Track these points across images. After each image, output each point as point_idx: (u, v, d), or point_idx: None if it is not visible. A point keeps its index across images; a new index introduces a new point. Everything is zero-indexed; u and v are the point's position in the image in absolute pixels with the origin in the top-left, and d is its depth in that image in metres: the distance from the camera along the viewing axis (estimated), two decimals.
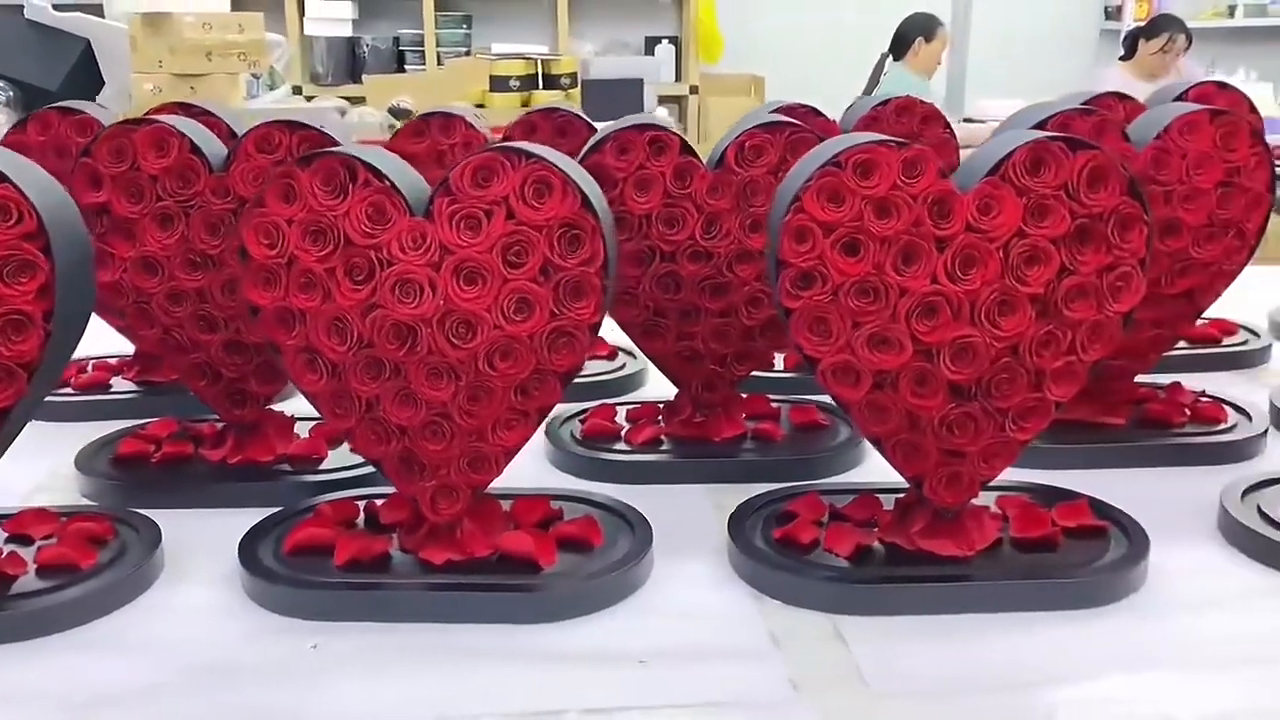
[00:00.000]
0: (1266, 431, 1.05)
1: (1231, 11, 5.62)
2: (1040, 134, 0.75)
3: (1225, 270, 1.02)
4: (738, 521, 0.86)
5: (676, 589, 0.81)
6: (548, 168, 0.73)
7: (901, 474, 0.81)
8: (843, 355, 0.76)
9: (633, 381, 1.25)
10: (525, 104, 3.98)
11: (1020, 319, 0.75)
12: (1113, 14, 5.64)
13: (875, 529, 0.84)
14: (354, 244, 0.73)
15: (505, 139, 1.18)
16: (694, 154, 0.96)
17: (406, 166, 0.78)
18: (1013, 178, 0.74)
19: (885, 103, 1.22)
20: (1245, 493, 0.89)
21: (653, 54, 5.35)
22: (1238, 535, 0.85)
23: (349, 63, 5.16)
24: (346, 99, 4.35)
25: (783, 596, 0.79)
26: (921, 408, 0.77)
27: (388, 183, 0.73)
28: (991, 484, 0.89)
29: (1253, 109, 1.25)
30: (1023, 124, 1.00)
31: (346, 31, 5.17)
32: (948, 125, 1.23)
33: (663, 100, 5.16)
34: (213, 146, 0.91)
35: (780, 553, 0.81)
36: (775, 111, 1.19)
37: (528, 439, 0.79)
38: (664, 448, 1.04)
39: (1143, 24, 4.85)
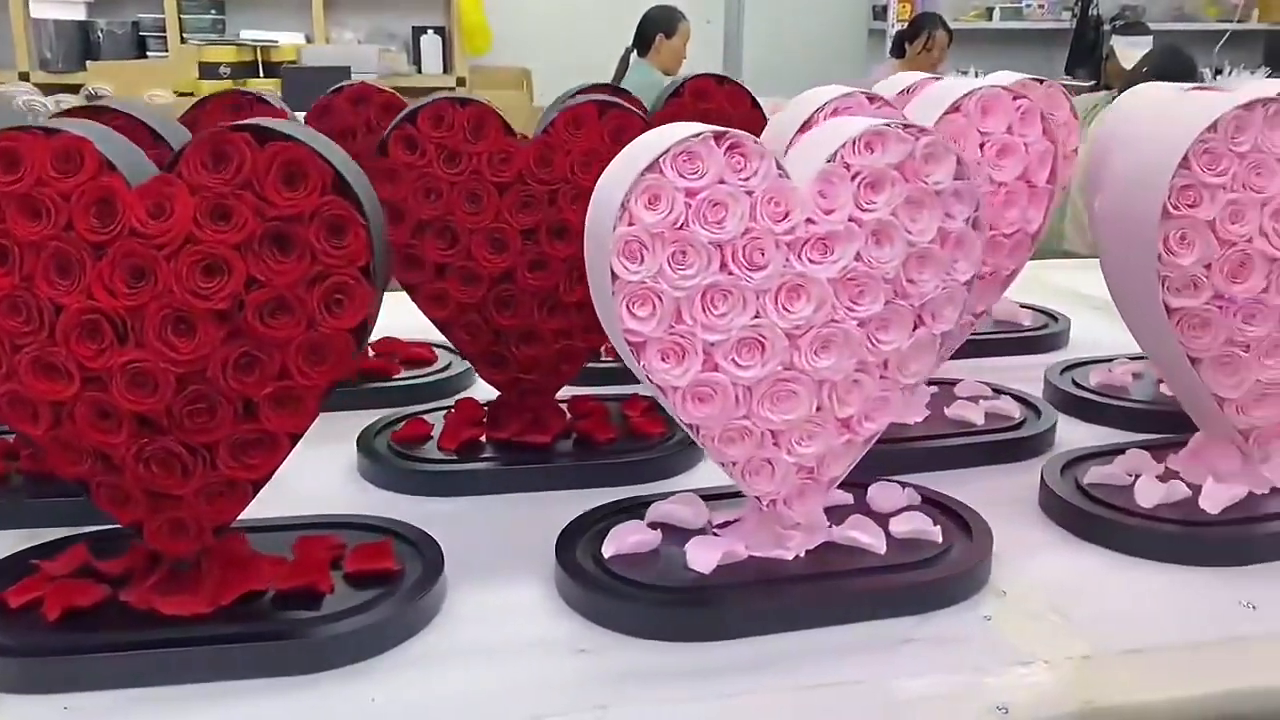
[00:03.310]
0: (692, 445, 0.99)
1: (990, 14, 5.80)
2: (230, 125, 0.64)
3: None
4: None
5: None
6: None
7: (118, 522, 0.69)
8: (11, 385, 0.64)
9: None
10: None
11: (204, 339, 0.64)
12: (879, 14, 5.75)
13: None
14: None
15: None
16: None
17: None
18: (187, 174, 0.63)
19: (340, 90, 1.11)
20: (591, 525, 0.81)
21: (418, 44, 5.19)
22: (561, 579, 0.76)
23: (82, 48, 4.80)
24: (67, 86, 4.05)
25: None
26: (108, 444, 0.65)
27: None
28: (322, 520, 0.80)
29: (754, 104, 1.20)
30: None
31: (79, 15, 4.82)
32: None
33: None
34: None
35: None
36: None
37: None
38: (13, 485, 0.90)
39: (906, 25, 4.95)
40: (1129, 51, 4.92)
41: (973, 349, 1.30)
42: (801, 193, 0.69)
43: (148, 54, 4.86)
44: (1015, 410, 1.04)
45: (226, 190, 0.63)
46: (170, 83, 3.64)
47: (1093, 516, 0.83)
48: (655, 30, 4.00)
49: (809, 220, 0.69)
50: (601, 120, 0.90)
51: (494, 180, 0.89)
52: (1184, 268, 0.77)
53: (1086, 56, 5.56)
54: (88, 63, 4.42)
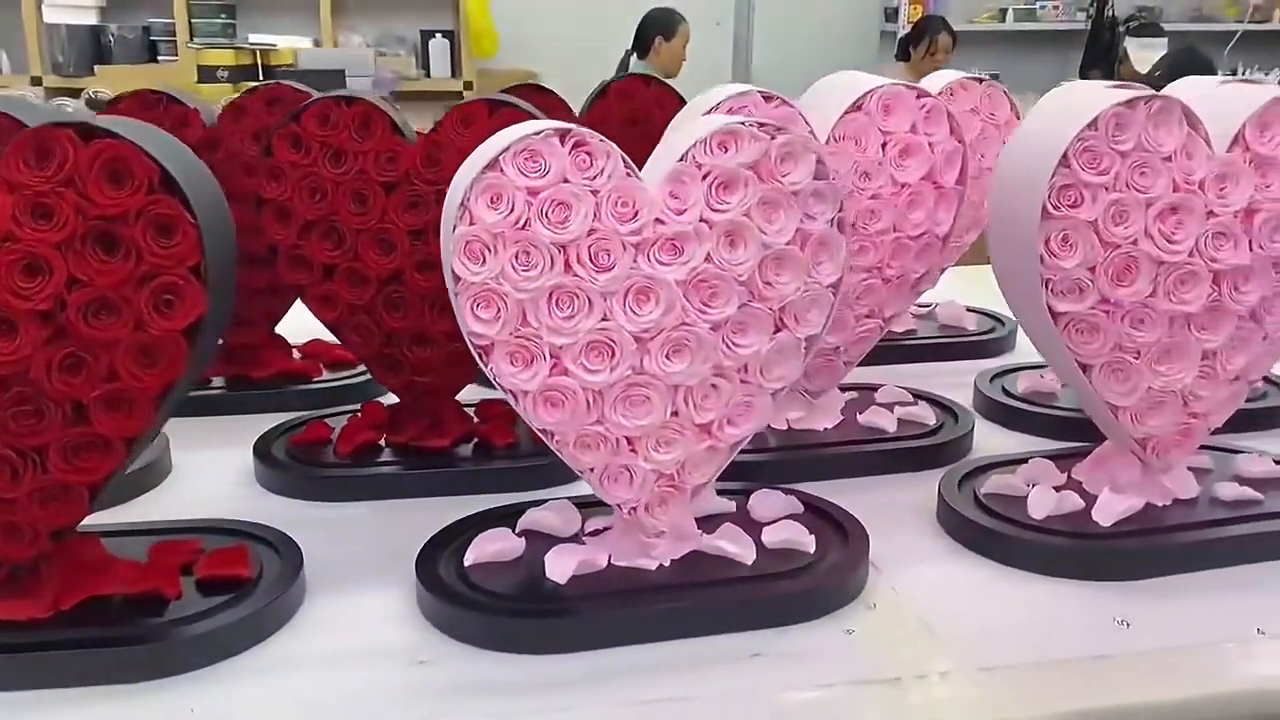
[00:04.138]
0: None
1: (1003, 16, 5.73)
2: (55, 121, 0.63)
3: None
4: None
5: None
6: None
7: None
8: None
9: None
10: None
11: (25, 339, 0.63)
12: (891, 16, 5.70)
13: None
14: None
15: None
16: None
17: None
18: (6, 171, 0.62)
19: (253, 90, 1.11)
20: (462, 533, 0.79)
21: (426, 48, 5.21)
22: (421, 595, 0.74)
23: (94, 52, 4.85)
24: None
25: None
26: None
27: None
28: (185, 525, 0.79)
29: (682, 99, 1.18)
30: None
31: (91, 20, 4.87)
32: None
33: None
34: None
35: None
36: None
37: None
38: None
39: (909, 28, 4.92)
40: (1142, 53, 4.85)
41: (911, 354, 1.28)
42: (651, 193, 0.66)
43: (158, 58, 4.90)
44: (931, 417, 1.01)
45: (47, 188, 0.62)
46: (172, 87, 3.65)
47: (982, 528, 0.80)
48: (654, 32, 3.98)
49: (658, 221, 0.66)
50: (491, 118, 0.88)
51: (380, 180, 0.88)
52: (1067, 270, 0.74)
53: (1102, 58, 5.47)
54: (96, 67, 4.47)
